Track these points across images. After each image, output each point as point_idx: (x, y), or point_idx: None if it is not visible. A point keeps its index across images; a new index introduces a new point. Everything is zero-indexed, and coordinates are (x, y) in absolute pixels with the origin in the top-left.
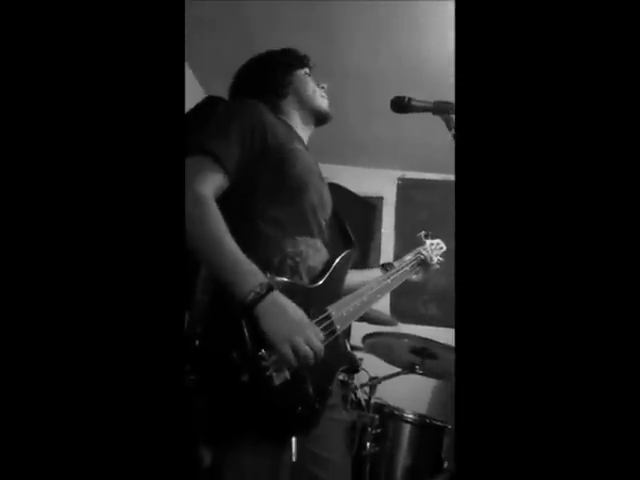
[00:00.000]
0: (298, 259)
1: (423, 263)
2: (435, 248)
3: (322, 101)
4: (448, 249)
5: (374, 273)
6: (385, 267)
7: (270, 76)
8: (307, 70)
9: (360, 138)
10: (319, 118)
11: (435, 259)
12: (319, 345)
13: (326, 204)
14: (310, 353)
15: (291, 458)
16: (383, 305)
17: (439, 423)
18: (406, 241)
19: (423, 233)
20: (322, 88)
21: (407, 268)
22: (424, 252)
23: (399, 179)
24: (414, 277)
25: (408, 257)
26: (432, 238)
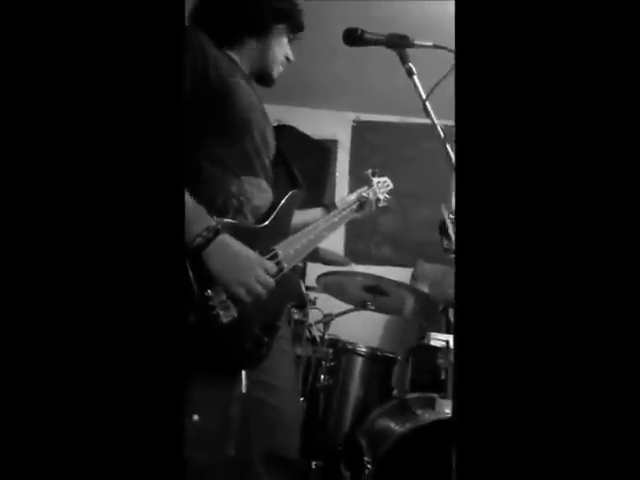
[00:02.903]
0: (242, 199)
1: (366, 203)
2: (382, 186)
3: (278, 70)
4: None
5: (316, 213)
6: (327, 207)
7: (251, 8)
8: (291, 37)
9: (314, 79)
10: (262, 80)
11: (382, 196)
12: (269, 281)
13: (270, 143)
14: (261, 290)
15: (241, 390)
16: (337, 247)
17: (389, 355)
18: (360, 184)
19: (370, 171)
20: (288, 61)
21: (354, 207)
22: (367, 193)
23: (354, 121)
24: (357, 215)
25: (352, 197)
26: (379, 176)
